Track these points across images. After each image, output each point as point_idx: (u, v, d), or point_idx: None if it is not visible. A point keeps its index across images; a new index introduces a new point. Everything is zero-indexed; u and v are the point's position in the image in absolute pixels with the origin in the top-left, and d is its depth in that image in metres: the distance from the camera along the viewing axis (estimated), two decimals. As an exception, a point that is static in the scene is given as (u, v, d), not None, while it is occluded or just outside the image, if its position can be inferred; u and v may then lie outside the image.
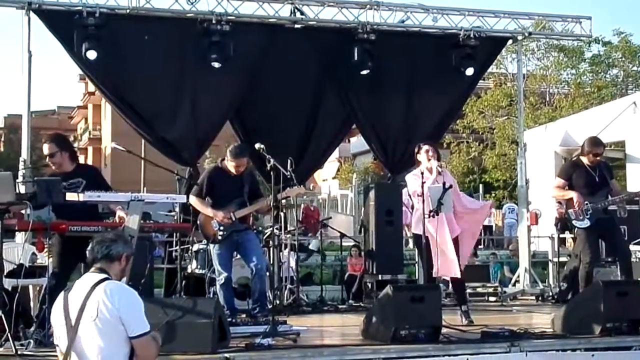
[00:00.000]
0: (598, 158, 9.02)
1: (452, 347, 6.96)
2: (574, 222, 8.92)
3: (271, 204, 8.50)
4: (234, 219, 8.56)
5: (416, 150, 8.81)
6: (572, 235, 12.23)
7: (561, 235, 13.38)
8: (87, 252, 4.84)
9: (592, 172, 8.94)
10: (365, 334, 7.47)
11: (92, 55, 10.39)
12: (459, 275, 8.43)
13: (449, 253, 8.37)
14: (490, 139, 34.12)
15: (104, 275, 4.71)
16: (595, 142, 9.15)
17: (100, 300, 4.57)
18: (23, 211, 7.18)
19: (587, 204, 8.75)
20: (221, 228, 8.54)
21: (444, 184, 8.29)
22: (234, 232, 8.58)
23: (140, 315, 4.68)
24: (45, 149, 7.53)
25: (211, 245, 8.78)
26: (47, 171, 7.91)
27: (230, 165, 8.67)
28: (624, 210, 9.04)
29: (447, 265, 8.39)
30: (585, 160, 9.02)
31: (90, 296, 4.58)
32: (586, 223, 8.78)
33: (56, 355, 4.89)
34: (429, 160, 8.57)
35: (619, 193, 9.14)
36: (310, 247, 15.70)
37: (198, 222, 8.74)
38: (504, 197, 32.26)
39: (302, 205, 23.02)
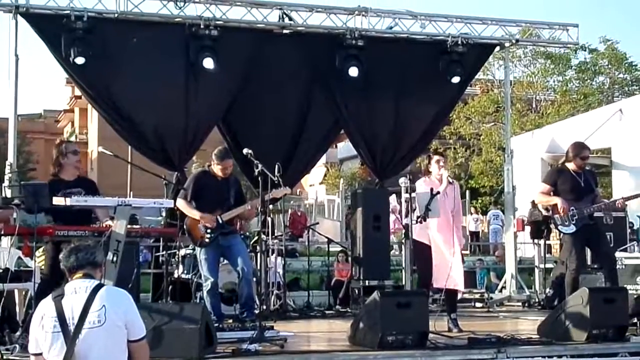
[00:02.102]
0: (585, 162, 9.02)
1: (439, 353, 6.98)
2: (559, 227, 8.92)
3: (259, 209, 8.48)
4: (220, 221, 8.55)
5: (427, 160, 8.89)
6: (559, 242, 12.29)
7: (536, 241, 13.42)
8: (65, 258, 4.79)
9: (577, 177, 8.94)
10: (352, 340, 7.48)
11: (80, 61, 10.36)
12: (462, 288, 8.51)
13: (457, 265, 8.45)
14: (477, 145, 34.19)
15: (97, 281, 4.71)
16: (580, 145, 9.18)
17: (108, 305, 4.57)
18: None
19: (572, 209, 8.75)
20: (208, 231, 8.53)
21: (431, 190, 8.34)
22: (221, 236, 8.58)
23: (140, 319, 4.74)
24: (76, 146, 8.13)
25: (198, 250, 8.77)
26: (35, 176, 7.91)
27: (217, 168, 8.68)
28: (609, 217, 9.08)
29: (454, 277, 8.44)
30: (571, 166, 9.02)
31: (93, 301, 4.56)
32: (572, 228, 8.77)
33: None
34: (440, 169, 8.67)
35: (603, 200, 9.15)
36: None
37: (185, 225, 8.73)
38: (490, 203, 32.34)
39: (290, 211, 23.04)
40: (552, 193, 8.99)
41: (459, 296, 8.95)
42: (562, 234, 9.10)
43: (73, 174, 7.73)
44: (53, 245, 7.15)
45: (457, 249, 8.48)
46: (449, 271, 8.38)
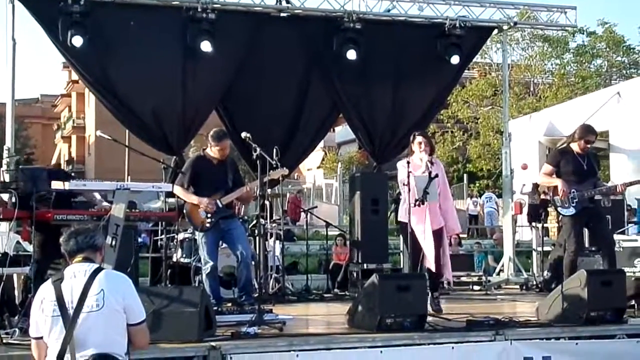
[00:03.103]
0: (589, 146, 9.00)
1: (437, 336, 7.00)
2: (559, 209, 8.94)
3: (257, 193, 8.48)
4: (220, 205, 8.54)
5: (411, 138, 8.78)
6: (557, 225, 12.31)
7: (534, 224, 13.42)
8: (65, 242, 4.78)
9: (580, 160, 8.93)
10: (351, 323, 7.51)
11: (77, 45, 10.32)
12: (433, 269, 8.43)
13: (428, 245, 8.41)
14: (475, 128, 34.21)
15: (96, 265, 4.71)
16: (588, 129, 9.13)
17: (106, 289, 4.56)
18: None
19: (573, 191, 8.76)
20: (208, 215, 8.52)
21: (429, 173, 8.30)
22: (221, 219, 8.57)
23: (139, 303, 4.74)
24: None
25: (197, 234, 8.77)
26: (33, 159, 7.91)
27: (214, 150, 8.66)
28: (607, 200, 9.09)
29: (426, 257, 8.43)
30: (575, 147, 8.99)
31: (91, 285, 4.56)
32: (571, 211, 8.79)
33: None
34: (421, 152, 8.57)
35: (604, 184, 9.15)
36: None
37: (185, 211, 8.71)
38: (487, 186, 32.38)
39: (289, 195, 23.09)
40: (554, 174, 8.99)
41: (448, 276, 8.89)
42: (561, 216, 9.11)
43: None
44: (41, 229, 7.15)
45: (428, 229, 8.37)
46: (424, 251, 8.37)
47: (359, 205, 11.17)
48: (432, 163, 8.48)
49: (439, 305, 8.58)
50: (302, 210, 19.68)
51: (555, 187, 8.87)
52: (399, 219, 8.83)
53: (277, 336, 6.92)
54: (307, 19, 11.83)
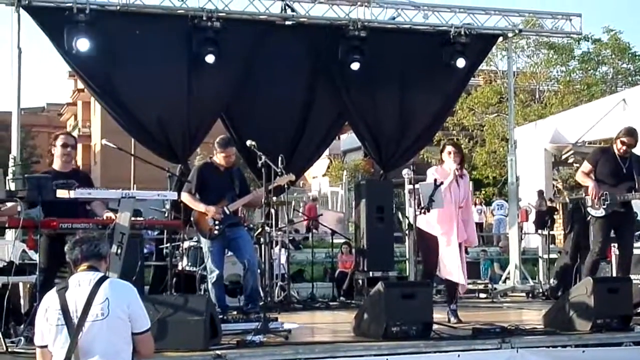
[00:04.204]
0: (625, 148, 8.71)
1: (443, 344, 6.97)
2: (589, 209, 8.79)
3: (263, 201, 8.47)
4: (228, 212, 8.54)
5: (441, 147, 8.73)
6: (563, 232, 12.26)
7: (541, 231, 13.40)
8: (69, 250, 4.78)
9: (620, 162, 8.73)
10: (356, 331, 7.49)
11: (82, 53, 10.34)
12: (460, 281, 8.42)
13: (452, 257, 8.38)
14: (480, 136, 34.15)
15: (101, 274, 4.71)
16: (626, 130, 8.85)
17: (111, 298, 4.57)
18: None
19: (605, 194, 8.60)
20: (216, 223, 8.52)
21: (435, 180, 8.30)
22: (227, 227, 8.55)
23: (144, 312, 4.74)
24: (68, 139, 7.73)
25: (203, 242, 8.75)
26: (39, 169, 7.94)
27: (220, 157, 8.66)
28: None
29: (447, 268, 8.41)
30: (614, 148, 8.79)
31: (96, 294, 4.56)
32: (601, 212, 8.64)
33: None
34: (451, 161, 8.49)
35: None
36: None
37: (192, 219, 8.70)
38: (493, 194, 32.32)
39: (307, 203, 23.32)
40: (592, 173, 8.82)
41: (461, 289, 8.83)
42: (590, 217, 8.97)
43: (66, 166, 7.66)
44: (46, 238, 7.16)
45: (454, 241, 8.36)
46: (444, 261, 8.36)
47: (364, 212, 11.16)
48: (461, 176, 8.48)
49: (458, 317, 8.52)
50: (307, 218, 19.78)
51: (587, 187, 8.77)
52: (418, 226, 8.64)
53: (283, 344, 6.91)
54: (312, 27, 11.85)
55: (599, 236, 8.73)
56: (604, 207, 8.63)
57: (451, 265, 8.39)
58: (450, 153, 8.53)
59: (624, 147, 8.73)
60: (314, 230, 15.78)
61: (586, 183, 8.84)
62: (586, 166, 8.98)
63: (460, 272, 8.40)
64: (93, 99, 40.76)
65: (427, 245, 8.54)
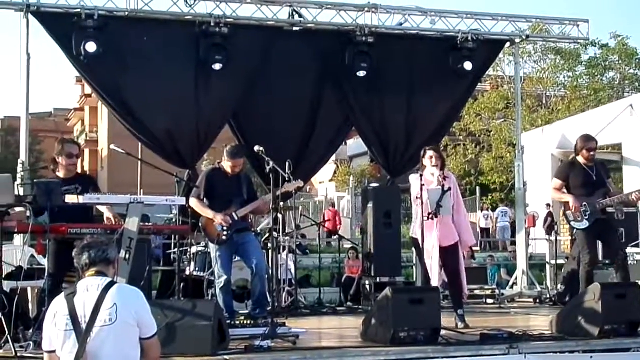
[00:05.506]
0: (592, 153, 8.97)
1: (451, 349, 6.98)
2: (572, 223, 8.93)
3: (271, 206, 8.48)
4: (236, 218, 8.55)
5: (422, 153, 8.77)
6: (570, 238, 12.25)
7: (550, 238, 13.39)
8: (77, 256, 4.79)
9: (589, 171, 8.91)
10: (364, 336, 7.50)
11: (90, 59, 10.37)
12: (435, 284, 8.38)
13: (434, 262, 8.39)
14: (487, 141, 34.17)
15: (109, 279, 4.72)
16: (586, 137, 9.14)
17: (119, 303, 4.58)
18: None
19: (585, 205, 8.75)
20: (224, 228, 8.52)
21: (442, 186, 8.30)
22: (235, 233, 8.56)
23: (151, 317, 4.76)
24: (73, 149, 7.79)
25: (211, 247, 8.75)
26: (46, 174, 7.96)
27: (227, 165, 8.67)
28: (621, 213, 9.04)
29: (434, 273, 8.42)
30: (581, 159, 9.00)
31: (104, 300, 4.58)
32: (585, 224, 8.78)
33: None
34: (432, 166, 8.56)
35: (616, 193, 9.11)
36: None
37: (200, 224, 8.71)
38: (501, 199, 32.30)
39: (329, 208, 23.50)
40: (564, 188, 8.97)
41: (464, 294, 8.86)
42: (575, 230, 9.09)
43: (71, 172, 7.72)
44: (55, 243, 7.19)
45: (436, 247, 8.34)
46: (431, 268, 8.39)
47: (371, 218, 11.15)
48: (445, 178, 8.49)
49: (465, 322, 8.51)
50: (313, 222, 19.77)
51: (567, 203, 8.86)
52: (411, 235, 8.84)
53: (291, 350, 6.93)
54: (319, 33, 11.87)
55: (586, 247, 8.83)
56: (587, 218, 8.77)
57: (433, 271, 8.40)
58: (431, 158, 8.60)
59: (591, 153, 8.96)
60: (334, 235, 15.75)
61: (564, 199, 8.99)
62: (556, 182, 9.11)
63: (436, 275, 8.37)
64: (100, 104, 40.89)
65: (420, 252, 8.56)
